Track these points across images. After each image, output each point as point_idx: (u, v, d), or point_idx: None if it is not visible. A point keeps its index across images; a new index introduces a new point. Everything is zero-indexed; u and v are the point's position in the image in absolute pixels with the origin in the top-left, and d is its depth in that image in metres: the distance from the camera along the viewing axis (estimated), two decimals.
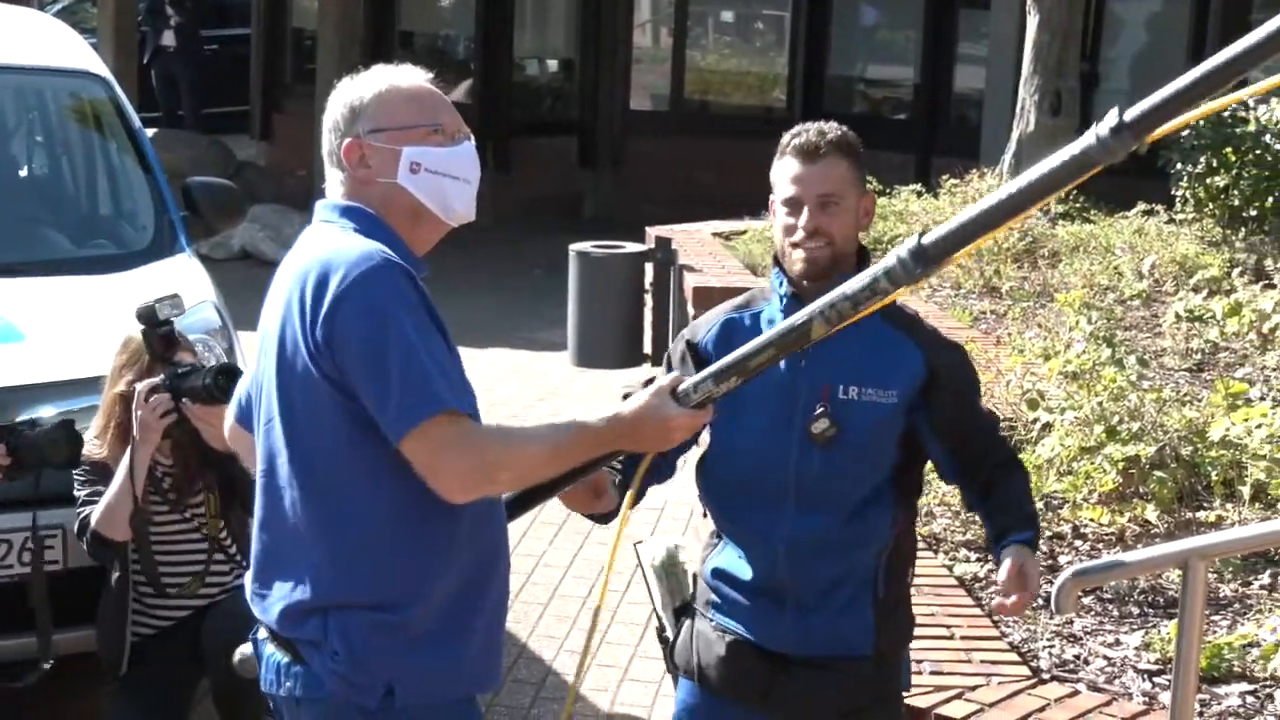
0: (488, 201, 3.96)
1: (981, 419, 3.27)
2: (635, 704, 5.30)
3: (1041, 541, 4.93)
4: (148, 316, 4.30)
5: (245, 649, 3.07)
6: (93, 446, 4.51)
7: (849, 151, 3.22)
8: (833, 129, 3.23)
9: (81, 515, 4.43)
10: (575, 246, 9.31)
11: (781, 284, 3.24)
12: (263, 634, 2.96)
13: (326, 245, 2.82)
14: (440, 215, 2.92)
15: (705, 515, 3.45)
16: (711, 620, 3.32)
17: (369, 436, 2.76)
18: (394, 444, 2.72)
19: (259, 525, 2.94)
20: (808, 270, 3.18)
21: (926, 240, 2.57)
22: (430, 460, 2.72)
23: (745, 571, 3.25)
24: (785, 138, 3.24)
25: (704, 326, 3.33)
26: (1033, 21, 9.89)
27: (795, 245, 3.18)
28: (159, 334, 4.32)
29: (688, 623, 3.40)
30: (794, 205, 3.19)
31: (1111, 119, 2.40)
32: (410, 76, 2.95)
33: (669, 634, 3.44)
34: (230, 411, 3.17)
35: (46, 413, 4.80)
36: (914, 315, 3.29)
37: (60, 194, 6.53)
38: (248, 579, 3.00)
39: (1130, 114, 2.39)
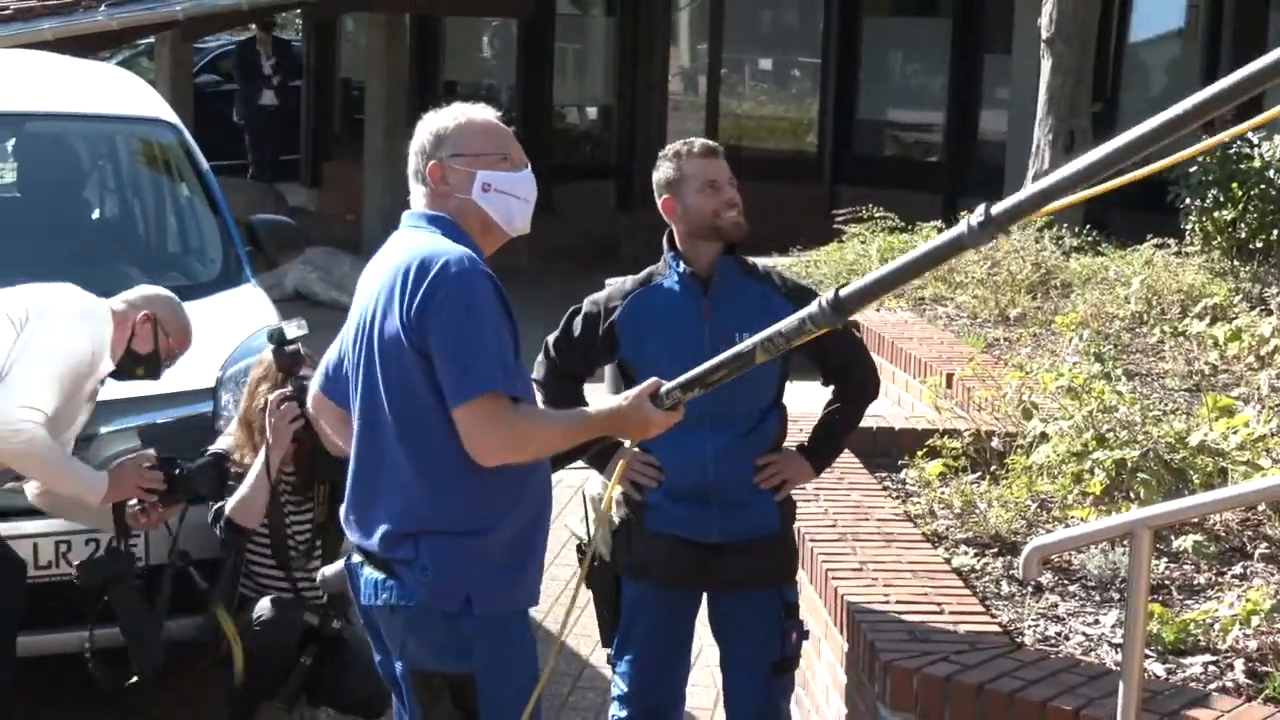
0: (529, 243, 4.61)
1: (842, 338, 4.27)
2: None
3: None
4: (278, 337, 4.98)
5: (326, 570, 3.67)
6: (225, 442, 5.22)
7: None
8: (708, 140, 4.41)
9: (216, 506, 5.11)
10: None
11: (679, 264, 4.34)
12: (358, 558, 3.55)
13: (423, 245, 3.44)
14: (504, 227, 3.58)
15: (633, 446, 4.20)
16: (648, 528, 4.23)
17: None
18: (450, 410, 3.33)
19: (358, 466, 3.54)
20: (739, 231, 4.25)
21: (843, 293, 3.25)
22: (469, 429, 3.35)
23: (677, 484, 4.23)
24: (678, 147, 4.30)
25: (616, 306, 4.34)
26: (1046, 65, 10.34)
27: (724, 215, 4.22)
28: (286, 351, 5.01)
29: (625, 536, 4.32)
30: (714, 187, 4.20)
31: (980, 213, 2.97)
32: (484, 112, 3.61)
33: (603, 551, 4.33)
34: (315, 382, 3.78)
35: (128, 425, 5.37)
36: (780, 274, 4.45)
37: (133, 231, 7.08)
38: (344, 511, 3.59)
39: (996, 209, 2.94)
